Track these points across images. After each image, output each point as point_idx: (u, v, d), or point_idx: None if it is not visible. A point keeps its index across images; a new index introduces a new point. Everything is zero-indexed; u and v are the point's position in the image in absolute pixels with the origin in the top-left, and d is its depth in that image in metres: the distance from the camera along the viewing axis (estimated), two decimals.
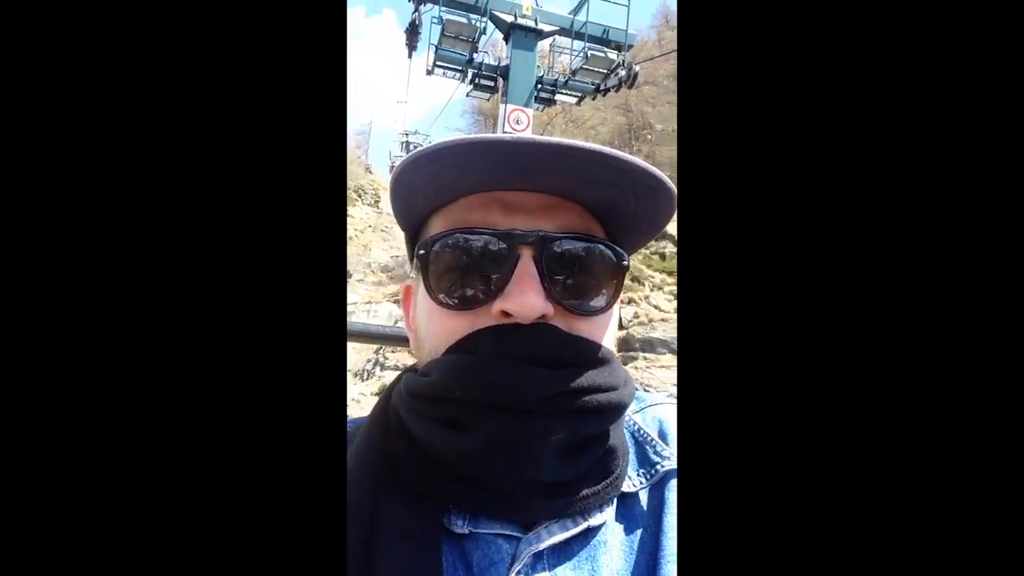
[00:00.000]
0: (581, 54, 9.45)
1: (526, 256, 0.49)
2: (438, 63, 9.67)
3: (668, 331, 12.33)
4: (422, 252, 0.52)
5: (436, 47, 9.31)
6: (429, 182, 0.50)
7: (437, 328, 0.52)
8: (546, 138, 0.44)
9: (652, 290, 13.93)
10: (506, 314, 0.48)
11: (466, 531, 0.48)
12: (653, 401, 0.62)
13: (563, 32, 9.36)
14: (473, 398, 0.46)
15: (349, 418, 0.59)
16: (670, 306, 13.36)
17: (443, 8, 8.80)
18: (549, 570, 0.48)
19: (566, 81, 9.82)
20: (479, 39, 9.26)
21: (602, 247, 0.52)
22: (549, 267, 0.49)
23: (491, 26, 9.05)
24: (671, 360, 11.79)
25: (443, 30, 8.98)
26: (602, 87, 9.82)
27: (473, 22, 8.98)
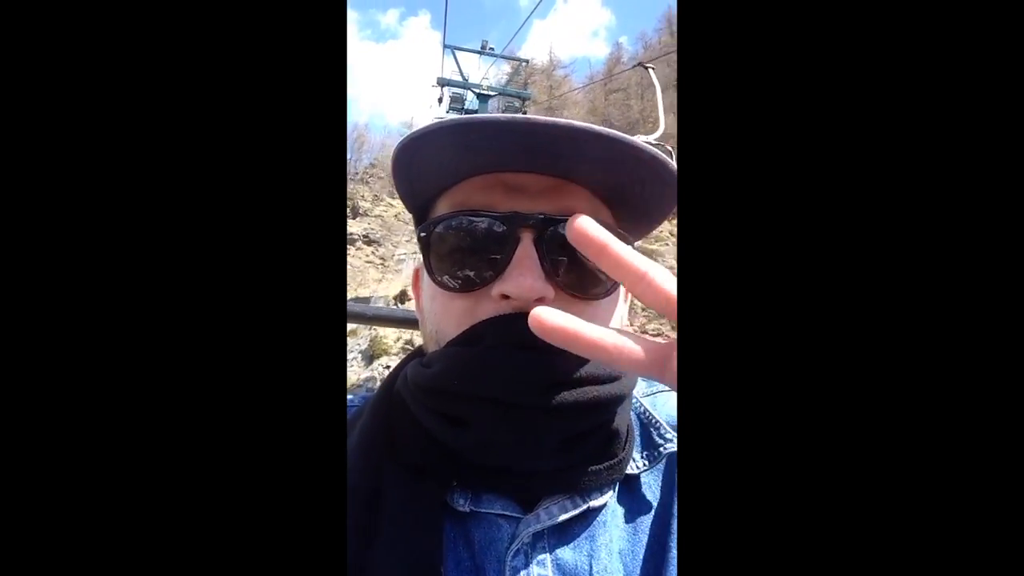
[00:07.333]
0: (503, 104, 23.21)
1: (526, 239, 0.48)
2: (450, 109, 23.39)
3: None
4: (423, 234, 0.52)
5: (449, 104, 23.27)
6: (431, 162, 0.50)
7: (439, 310, 0.52)
8: (552, 119, 0.43)
9: None
10: (505, 297, 0.47)
11: (467, 510, 0.48)
12: (663, 388, 0.60)
13: (500, 94, 23.10)
14: (470, 391, 0.46)
15: (357, 395, 0.62)
16: None
17: (451, 90, 23.16)
18: (548, 550, 0.47)
19: None
20: (465, 99, 23.25)
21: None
22: (550, 250, 0.48)
23: (471, 94, 23.03)
24: None
25: (451, 99, 23.21)
26: None
27: (463, 95, 23.21)
